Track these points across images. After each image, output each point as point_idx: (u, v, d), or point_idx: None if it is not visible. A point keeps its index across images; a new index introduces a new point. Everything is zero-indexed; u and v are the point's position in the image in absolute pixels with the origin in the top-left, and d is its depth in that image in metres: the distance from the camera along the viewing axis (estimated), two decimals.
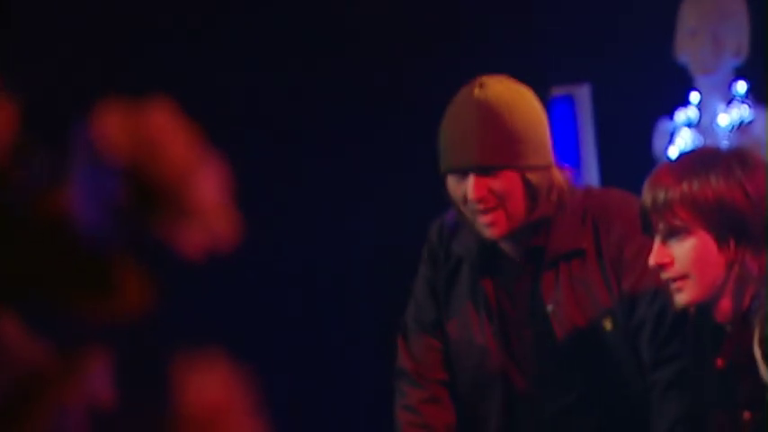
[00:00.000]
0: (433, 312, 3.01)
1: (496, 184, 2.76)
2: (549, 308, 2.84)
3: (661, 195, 2.46)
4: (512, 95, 2.79)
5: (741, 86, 4.94)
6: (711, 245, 2.46)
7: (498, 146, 2.75)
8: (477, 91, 2.78)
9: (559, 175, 2.83)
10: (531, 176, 2.77)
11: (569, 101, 5.05)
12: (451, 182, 2.82)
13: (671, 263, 2.49)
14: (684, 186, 2.43)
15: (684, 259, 2.47)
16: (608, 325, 2.81)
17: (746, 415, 2.46)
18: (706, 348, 2.56)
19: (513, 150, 2.76)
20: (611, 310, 2.81)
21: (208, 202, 0.90)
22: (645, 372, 2.80)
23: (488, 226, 2.79)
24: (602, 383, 2.86)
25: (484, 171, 2.76)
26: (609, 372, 2.84)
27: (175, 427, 0.88)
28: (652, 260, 2.49)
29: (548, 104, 4.94)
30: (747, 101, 4.93)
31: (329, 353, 5.20)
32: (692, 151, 2.57)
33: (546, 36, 5.24)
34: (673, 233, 2.47)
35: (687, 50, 5.01)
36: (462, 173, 2.78)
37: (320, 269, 5.22)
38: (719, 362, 2.50)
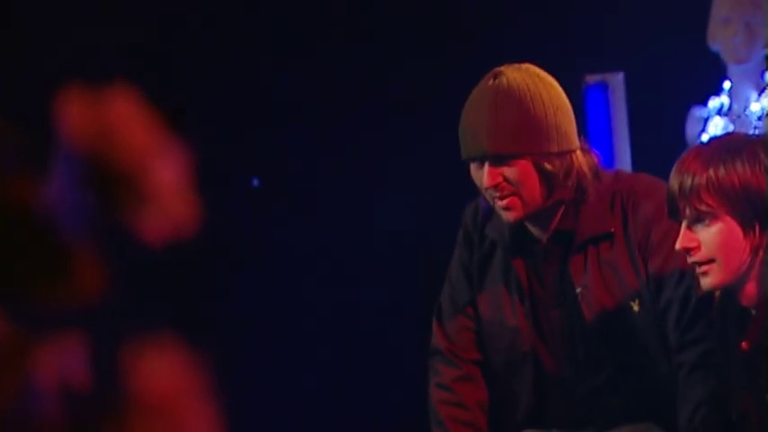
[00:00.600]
0: (467, 294, 3.08)
1: (510, 171, 2.81)
2: (578, 290, 2.89)
3: (688, 181, 2.49)
4: (526, 83, 2.82)
5: None
6: (737, 230, 2.49)
7: (510, 135, 2.79)
8: (491, 81, 2.83)
9: (581, 160, 2.86)
10: (546, 163, 2.81)
11: (603, 88, 5.08)
12: (473, 168, 2.88)
13: (697, 247, 2.53)
14: (711, 172, 2.46)
15: (710, 244, 2.50)
16: (635, 307, 2.86)
17: None
18: (731, 331, 2.59)
19: (524, 139, 2.80)
20: (638, 292, 2.85)
21: (167, 188, 0.91)
22: (671, 353, 2.85)
23: (505, 210, 2.85)
24: (630, 364, 2.91)
25: (496, 160, 2.81)
26: (636, 353, 2.89)
27: (126, 412, 0.89)
28: (679, 244, 2.53)
29: (582, 92, 4.99)
30: None
31: (363, 335, 5.27)
32: (719, 138, 2.59)
33: (580, 24, 5.28)
34: (699, 218, 2.51)
35: (720, 39, 5.03)
36: (479, 161, 2.84)
37: (348, 253, 5.30)
38: (745, 344, 2.54)
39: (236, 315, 5.26)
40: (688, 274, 2.66)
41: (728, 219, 2.48)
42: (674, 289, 2.81)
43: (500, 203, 2.85)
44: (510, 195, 2.83)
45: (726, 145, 2.50)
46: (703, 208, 2.48)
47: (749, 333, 2.53)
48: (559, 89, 2.87)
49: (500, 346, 3.01)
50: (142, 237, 0.90)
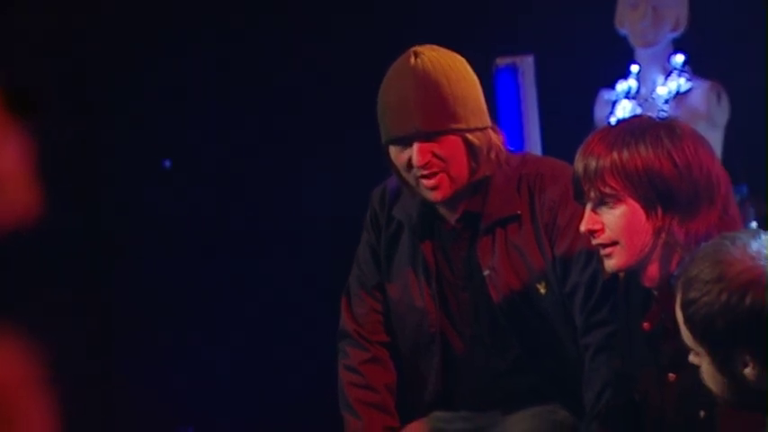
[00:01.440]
0: (374, 276, 3.09)
1: (440, 148, 2.83)
2: (486, 272, 2.91)
3: (592, 164, 2.52)
4: (447, 61, 2.85)
5: (679, 58, 5.03)
6: (640, 212, 2.52)
7: (439, 111, 2.82)
8: (412, 60, 2.84)
9: (496, 136, 2.91)
10: (472, 138, 2.85)
11: (514, 71, 5.11)
12: (394, 150, 2.88)
13: (601, 230, 2.56)
14: (615, 155, 2.49)
15: (614, 226, 2.54)
16: (542, 289, 2.89)
17: (671, 376, 2.54)
18: (634, 313, 2.63)
19: (453, 114, 2.82)
20: (544, 274, 2.89)
21: (7, 174, 0.90)
22: (577, 335, 2.88)
23: (432, 189, 2.87)
24: (537, 346, 2.93)
25: (427, 137, 2.83)
26: (543, 334, 2.92)
27: None
28: (583, 226, 2.56)
29: (492, 75, 5.02)
30: (685, 72, 5.02)
31: (273, 320, 5.26)
32: (623, 121, 2.60)
33: (491, 7, 5.31)
34: (603, 201, 2.53)
35: (627, 23, 5.09)
36: (405, 141, 2.85)
37: (272, 235, 5.29)
38: (646, 325, 2.58)
39: (147, 298, 5.23)
40: (594, 258, 2.69)
41: (631, 201, 2.51)
42: (581, 272, 2.84)
43: (427, 183, 2.86)
44: (439, 173, 2.84)
45: (630, 128, 2.52)
46: (607, 190, 2.50)
47: (651, 314, 2.57)
48: (470, 68, 2.91)
49: (408, 327, 3.03)
50: None
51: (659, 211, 2.49)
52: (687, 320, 2.21)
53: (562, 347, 2.91)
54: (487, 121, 2.89)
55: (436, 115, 2.82)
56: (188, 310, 5.24)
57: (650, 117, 2.58)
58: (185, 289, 5.24)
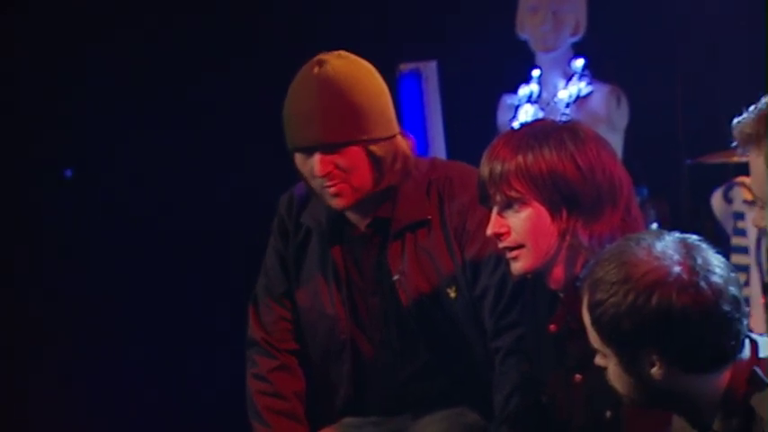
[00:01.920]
0: (282, 284, 3.08)
1: (341, 159, 2.82)
2: (395, 277, 2.91)
3: (498, 167, 2.53)
4: (351, 71, 2.83)
5: (579, 62, 5.10)
6: (545, 215, 2.55)
7: (340, 122, 2.80)
8: (316, 69, 2.82)
9: (403, 144, 2.90)
10: (375, 149, 2.84)
11: (417, 76, 5.14)
12: (299, 158, 2.87)
13: (507, 233, 2.58)
14: (519, 159, 2.51)
15: (520, 229, 2.56)
16: (452, 293, 2.90)
17: (578, 377, 2.57)
18: (542, 315, 2.65)
19: (355, 125, 2.81)
20: (455, 279, 2.90)
21: None
22: (487, 338, 2.89)
23: (335, 197, 2.86)
24: (447, 350, 2.95)
25: (328, 148, 2.81)
26: (453, 339, 2.93)
27: None
28: (489, 230, 2.58)
29: (396, 80, 5.05)
30: (585, 76, 5.09)
31: (181, 328, 5.23)
32: (527, 124, 2.62)
33: (394, 12, 5.32)
34: (509, 204, 2.56)
35: (528, 28, 5.14)
36: (308, 151, 2.84)
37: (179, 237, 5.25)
38: (552, 327, 2.60)
39: (45, 307, 5.16)
40: (503, 261, 2.70)
41: (536, 204, 2.53)
42: (490, 276, 2.86)
43: (330, 191, 2.85)
44: (341, 182, 2.84)
45: (534, 132, 2.54)
46: (512, 194, 2.52)
47: (557, 316, 2.59)
48: (378, 74, 2.90)
49: (318, 334, 3.02)
50: None
51: (564, 214, 2.52)
52: (594, 322, 2.23)
53: (471, 351, 2.92)
54: (394, 129, 2.88)
55: (338, 127, 2.80)
56: (91, 322, 5.18)
57: (554, 120, 2.61)
58: (86, 299, 5.17)
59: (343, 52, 2.88)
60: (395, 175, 2.88)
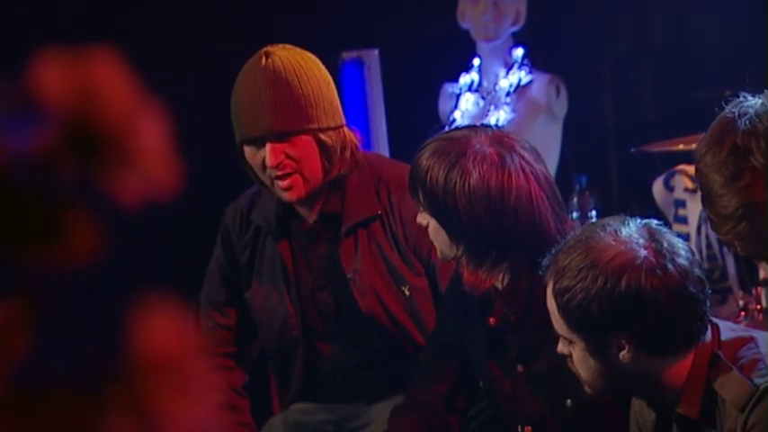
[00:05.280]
0: (221, 293, 3.09)
1: (292, 149, 2.83)
2: (349, 275, 2.93)
3: (416, 175, 2.54)
4: (298, 61, 2.84)
5: (519, 52, 5.14)
6: (443, 234, 2.55)
7: (291, 112, 2.81)
8: (263, 60, 2.83)
9: (350, 134, 2.91)
10: (325, 138, 2.85)
11: (359, 65, 5.15)
12: (248, 151, 2.87)
13: (427, 224, 2.57)
14: (429, 176, 2.49)
15: (430, 231, 2.57)
16: (407, 291, 2.92)
17: (520, 368, 2.60)
18: (473, 309, 2.66)
19: (305, 115, 2.82)
20: (408, 275, 2.92)
21: (149, 150, 0.89)
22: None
23: (287, 190, 2.86)
24: (400, 340, 2.96)
25: (279, 137, 2.82)
26: (405, 331, 2.95)
27: (131, 373, 0.87)
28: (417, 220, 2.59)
29: (338, 68, 5.06)
30: (525, 66, 5.13)
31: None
32: (450, 135, 2.57)
33: (335, 2, 5.34)
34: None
35: (469, 17, 5.16)
36: (258, 141, 2.85)
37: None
38: (492, 320, 2.61)
39: None
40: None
41: (435, 222, 2.54)
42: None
43: (281, 184, 2.86)
44: (292, 174, 2.85)
45: (448, 150, 2.49)
46: (419, 206, 2.54)
47: (495, 310, 2.60)
48: (323, 67, 2.91)
49: (272, 332, 3.03)
50: (124, 199, 0.89)
51: (459, 249, 2.51)
52: (561, 308, 2.24)
53: (425, 337, 2.93)
54: (341, 120, 2.89)
55: (288, 116, 2.81)
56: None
57: (474, 134, 2.54)
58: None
59: (287, 45, 2.89)
60: (345, 164, 2.89)
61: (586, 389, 2.32)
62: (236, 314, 3.09)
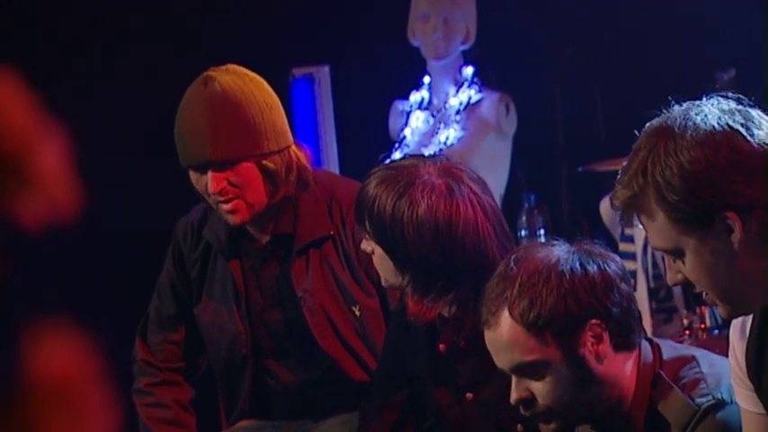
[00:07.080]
0: (171, 307, 3.07)
1: (234, 176, 2.82)
2: (300, 294, 2.92)
3: (363, 203, 2.55)
4: (239, 86, 2.82)
5: (469, 70, 5.15)
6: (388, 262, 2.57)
7: (230, 140, 2.80)
8: (203, 87, 2.81)
9: (298, 155, 2.90)
10: (268, 163, 2.83)
11: (310, 81, 5.15)
12: (193, 176, 2.86)
13: (372, 251, 2.60)
14: (377, 205, 2.51)
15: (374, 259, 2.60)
16: (357, 311, 2.92)
17: (469, 396, 2.60)
18: (420, 337, 2.66)
19: (246, 142, 2.81)
20: (359, 295, 2.92)
21: (49, 172, 0.88)
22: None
23: (231, 214, 2.86)
24: (349, 358, 2.96)
25: (220, 166, 2.81)
26: (353, 351, 2.95)
27: (25, 397, 0.86)
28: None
29: (288, 85, 5.05)
30: (475, 84, 5.14)
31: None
32: (397, 165, 2.58)
33: (285, 17, 5.33)
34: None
35: (419, 35, 5.17)
36: (200, 169, 2.83)
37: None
38: (442, 347, 2.61)
39: None
40: None
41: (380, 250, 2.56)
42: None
43: (225, 207, 2.85)
44: (235, 199, 2.84)
45: (395, 178, 2.51)
46: (366, 236, 2.56)
47: (445, 336, 2.60)
48: (268, 87, 2.89)
49: (220, 348, 3.02)
50: (24, 221, 0.88)
51: (404, 277, 2.52)
52: (532, 325, 2.22)
53: (374, 356, 2.93)
54: (287, 141, 2.88)
55: (228, 144, 2.80)
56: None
57: (423, 164, 2.54)
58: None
59: (231, 66, 2.87)
60: (290, 186, 2.88)
61: (561, 421, 2.29)
62: (186, 329, 3.07)
